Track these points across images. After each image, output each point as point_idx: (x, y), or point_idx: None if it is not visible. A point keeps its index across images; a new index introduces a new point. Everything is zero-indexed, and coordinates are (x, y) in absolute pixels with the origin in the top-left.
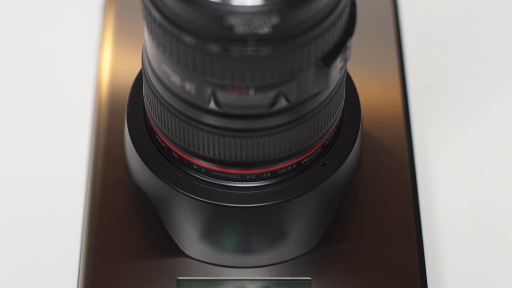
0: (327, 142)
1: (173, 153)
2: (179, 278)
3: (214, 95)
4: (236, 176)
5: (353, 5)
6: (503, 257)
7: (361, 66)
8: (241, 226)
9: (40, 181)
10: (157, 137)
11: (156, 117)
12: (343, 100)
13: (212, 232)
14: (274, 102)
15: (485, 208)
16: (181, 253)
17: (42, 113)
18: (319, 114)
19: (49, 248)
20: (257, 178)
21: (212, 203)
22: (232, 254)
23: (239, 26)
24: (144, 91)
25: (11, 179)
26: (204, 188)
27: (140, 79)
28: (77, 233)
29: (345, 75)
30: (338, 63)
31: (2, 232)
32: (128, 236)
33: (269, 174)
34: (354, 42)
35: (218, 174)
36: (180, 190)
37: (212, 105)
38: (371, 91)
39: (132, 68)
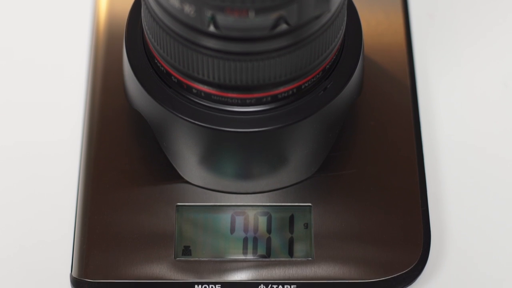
0: (328, 66)
1: (172, 77)
2: (178, 204)
3: (213, 17)
4: (236, 101)
5: None
6: (504, 183)
7: None
8: (241, 151)
9: (38, 108)
10: (156, 61)
11: (155, 41)
12: (344, 24)
13: (211, 158)
14: (274, 25)
15: (487, 135)
16: (180, 179)
17: (41, 38)
18: (320, 37)
19: (48, 175)
20: (257, 102)
21: (212, 128)
22: (231, 180)
23: None
24: (142, 15)
25: (7, 107)
26: (203, 113)
27: (138, 3)
28: (76, 159)
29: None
30: None
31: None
32: (127, 162)
33: (269, 99)
34: None
35: (218, 98)
36: (179, 115)
37: (211, 28)
38: (373, 16)
39: None
